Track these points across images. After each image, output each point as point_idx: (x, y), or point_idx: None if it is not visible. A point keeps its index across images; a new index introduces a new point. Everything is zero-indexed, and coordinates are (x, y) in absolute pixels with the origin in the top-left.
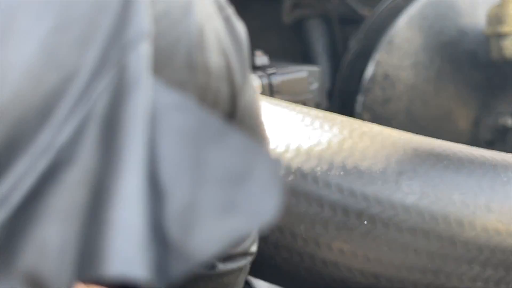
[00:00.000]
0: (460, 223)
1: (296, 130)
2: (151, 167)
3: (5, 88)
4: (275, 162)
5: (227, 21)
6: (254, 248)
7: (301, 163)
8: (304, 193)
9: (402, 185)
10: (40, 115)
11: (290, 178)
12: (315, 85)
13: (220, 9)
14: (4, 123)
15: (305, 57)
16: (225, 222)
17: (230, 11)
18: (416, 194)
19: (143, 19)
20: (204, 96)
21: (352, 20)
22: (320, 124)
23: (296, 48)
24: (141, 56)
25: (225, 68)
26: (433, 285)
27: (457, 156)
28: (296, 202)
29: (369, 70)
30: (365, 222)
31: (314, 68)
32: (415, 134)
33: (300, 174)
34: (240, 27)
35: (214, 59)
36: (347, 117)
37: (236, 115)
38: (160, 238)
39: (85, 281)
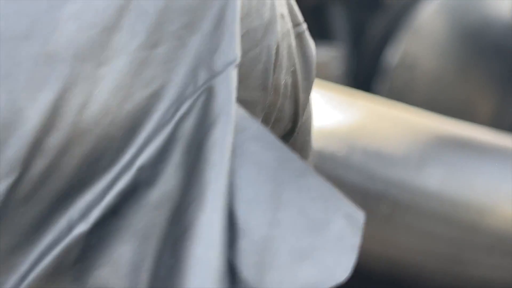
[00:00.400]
0: (481, 211)
1: (319, 112)
2: (229, 199)
3: (94, 103)
4: (355, 213)
5: (299, 38)
6: None
7: (322, 145)
8: (323, 175)
9: (424, 171)
10: (125, 132)
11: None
12: (337, 70)
13: (295, 24)
14: (90, 139)
15: (325, 42)
16: (299, 269)
17: (304, 26)
18: (438, 180)
19: (235, 44)
20: (269, 114)
21: (374, 6)
22: (344, 107)
23: (316, 32)
24: (230, 83)
25: (292, 87)
26: (450, 273)
27: (481, 142)
28: None
29: (391, 57)
30: (385, 207)
31: (337, 53)
32: (440, 116)
33: (321, 156)
34: (311, 44)
35: (284, 78)
36: (372, 98)
37: (294, 133)
38: (233, 276)
39: None
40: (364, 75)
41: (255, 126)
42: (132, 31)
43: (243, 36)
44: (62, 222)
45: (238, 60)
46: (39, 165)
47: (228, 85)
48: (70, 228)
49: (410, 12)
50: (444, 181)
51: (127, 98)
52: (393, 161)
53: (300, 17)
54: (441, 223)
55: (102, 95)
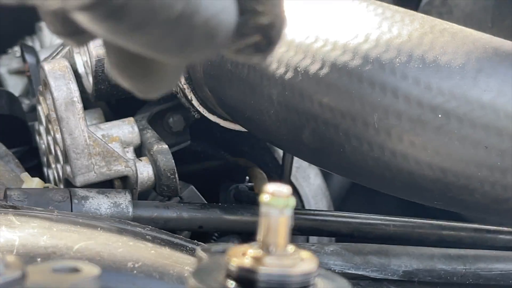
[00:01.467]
0: None
1: (376, 22)
2: None
3: None
4: None
5: None
6: None
7: (380, 53)
8: (380, 83)
9: (480, 82)
10: None
11: (368, 67)
12: None
13: None
14: None
15: None
16: None
17: None
18: (493, 92)
19: None
20: None
21: None
22: (401, 18)
23: None
24: None
25: None
26: (499, 184)
27: None
28: (372, 91)
29: None
30: (439, 116)
31: None
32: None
33: (378, 64)
34: None
35: None
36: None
37: None
38: None
39: None
40: None
41: None
42: None
43: None
44: None
45: None
46: None
47: None
48: None
49: None
50: (499, 93)
51: None
52: (449, 72)
53: None
54: (495, 135)
55: None
